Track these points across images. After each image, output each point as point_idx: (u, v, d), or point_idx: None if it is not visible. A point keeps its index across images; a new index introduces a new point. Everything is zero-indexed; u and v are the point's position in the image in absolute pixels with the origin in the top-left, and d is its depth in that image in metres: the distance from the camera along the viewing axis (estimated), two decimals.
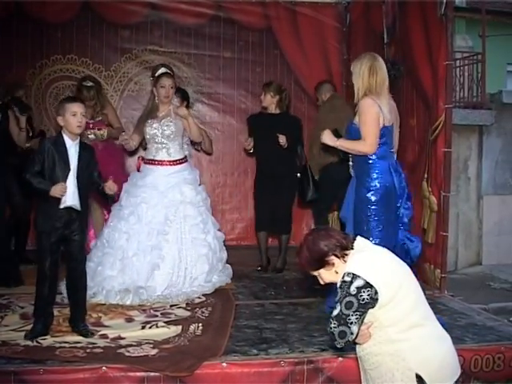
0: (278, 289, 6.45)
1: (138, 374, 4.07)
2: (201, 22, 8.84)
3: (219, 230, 6.46)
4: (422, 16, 6.40)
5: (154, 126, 6.15)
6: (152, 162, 6.19)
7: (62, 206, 4.68)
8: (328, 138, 5.07)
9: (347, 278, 3.05)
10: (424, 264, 6.24)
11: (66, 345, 4.50)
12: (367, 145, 4.83)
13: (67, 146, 4.72)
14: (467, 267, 9.43)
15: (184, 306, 5.65)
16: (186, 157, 6.40)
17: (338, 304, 3.05)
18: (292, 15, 8.75)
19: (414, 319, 3.13)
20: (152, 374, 4.06)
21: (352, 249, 3.21)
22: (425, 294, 3.35)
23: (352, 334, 3.04)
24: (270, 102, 7.08)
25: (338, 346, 3.10)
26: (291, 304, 5.84)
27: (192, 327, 5.01)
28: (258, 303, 5.88)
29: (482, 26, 10.23)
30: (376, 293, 3.02)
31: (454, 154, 6.90)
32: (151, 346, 4.52)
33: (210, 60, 9.02)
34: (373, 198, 4.87)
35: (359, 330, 3.07)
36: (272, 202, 7.01)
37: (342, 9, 8.88)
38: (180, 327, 4.98)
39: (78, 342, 4.56)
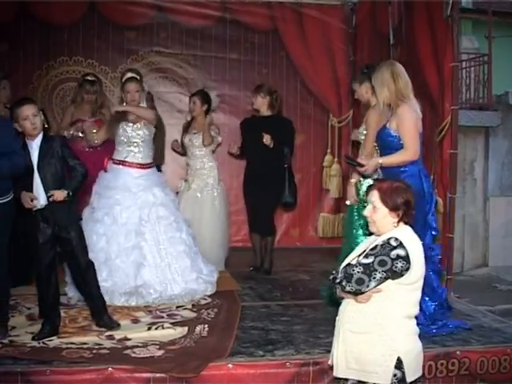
0: (284, 290, 6.46)
1: (144, 374, 4.09)
2: (207, 23, 8.86)
3: (188, 225, 6.48)
4: (428, 17, 6.40)
5: (127, 129, 6.18)
6: (122, 163, 6.20)
7: (35, 209, 4.68)
8: (372, 168, 5.01)
9: (393, 243, 3.26)
10: None
11: (73, 346, 4.52)
12: (412, 153, 4.85)
13: (29, 147, 4.71)
14: (473, 269, 9.40)
15: (190, 307, 5.67)
16: (152, 162, 6.41)
17: (372, 256, 3.25)
18: (298, 17, 8.74)
19: (413, 311, 3.39)
20: (158, 374, 4.08)
21: (406, 224, 3.44)
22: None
23: (368, 286, 3.24)
24: (261, 104, 7.10)
25: (347, 288, 3.27)
26: (297, 305, 5.85)
27: (198, 328, 5.02)
28: (263, 304, 5.89)
29: (488, 27, 10.20)
30: (407, 269, 3.24)
31: (460, 156, 6.88)
32: (157, 347, 4.53)
33: (216, 61, 9.03)
34: None
35: (373, 288, 3.26)
36: (257, 203, 7.05)
37: (348, 10, 8.89)
38: (186, 328, 4.99)
39: (85, 343, 4.57)
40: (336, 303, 3.69)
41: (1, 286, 4.73)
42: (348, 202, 5.88)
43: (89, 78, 7.30)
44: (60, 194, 4.66)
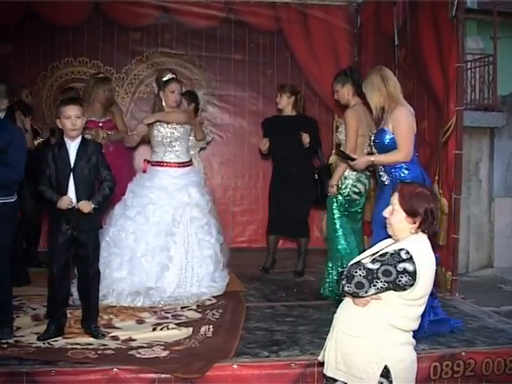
0: (289, 291, 6.46)
1: (149, 375, 4.09)
2: (212, 24, 8.86)
3: (218, 232, 6.48)
4: (432, 18, 6.40)
5: (162, 129, 6.18)
6: (160, 163, 6.23)
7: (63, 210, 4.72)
8: (363, 164, 5.21)
9: (403, 255, 3.15)
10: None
11: (78, 346, 4.53)
12: (404, 154, 4.92)
13: (67, 145, 4.76)
14: (478, 270, 9.38)
15: (195, 308, 5.67)
16: (191, 160, 6.44)
17: (379, 263, 3.16)
18: (303, 17, 8.73)
19: (410, 326, 3.27)
20: (163, 375, 4.08)
21: (424, 233, 3.30)
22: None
23: (366, 292, 3.17)
24: (287, 104, 7.06)
25: (346, 288, 3.21)
26: (302, 306, 5.85)
27: (203, 329, 5.02)
28: (268, 305, 5.89)
29: (493, 27, 10.18)
30: (412, 285, 3.14)
31: (465, 157, 6.87)
32: (162, 347, 4.54)
33: (221, 62, 9.04)
34: None
35: (372, 295, 3.18)
36: (289, 204, 6.98)
37: (353, 11, 8.86)
38: (191, 329, 5.00)
39: (90, 344, 4.58)
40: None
41: (2, 286, 4.74)
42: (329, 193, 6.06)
43: (102, 75, 7.34)
44: (87, 207, 4.72)
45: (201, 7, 8.71)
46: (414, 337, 3.35)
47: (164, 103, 6.25)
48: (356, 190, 6.02)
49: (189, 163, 6.35)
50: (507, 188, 9.68)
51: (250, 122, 8.93)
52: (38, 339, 4.64)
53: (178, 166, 6.23)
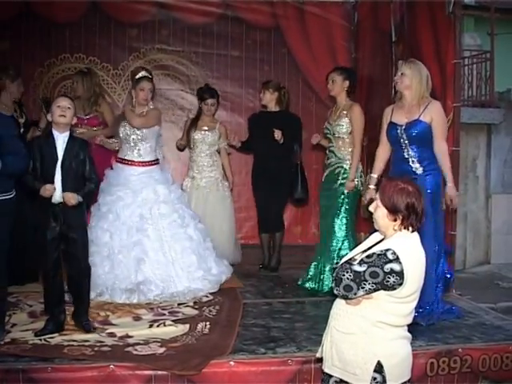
0: (286, 288, 6.46)
1: (146, 372, 4.09)
2: (209, 20, 8.86)
3: (199, 221, 6.51)
4: (430, 14, 6.39)
5: (127, 128, 6.25)
6: (123, 161, 6.30)
7: (53, 201, 4.73)
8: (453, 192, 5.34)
9: (390, 256, 3.11)
10: None
11: (74, 343, 4.52)
12: (445, 143, 5.30)
13: (55, 136, 4.78)
14: (475, 266, 9.39)
15: (192, 304, 5.67)
16: (157, 159, 6.43)
17: (366, 265, 3.13)
18: (300, 14, 8.73)
19: (402, 321, 3.26)
20: (159, 372, 4.09)
21: (412, 231, 3.26)
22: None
23: (355, 294, 3.15)
24: (270, 100, 7.10)
25: (335, 291, 3.21)
26: (299, 303, 5.86)
27: (200, 326, 5.02)
28: (265, 302, 5.89)
29: (490, 24, 10.17)
30: (400, 284, 3.11)
31: (462, 153, 6.87)
32: (159, 344, 4.54)
33: (218, 59, 9.04)
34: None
35: (361, 296, 3.16)
36: (265, 199, 7.07)
37: (350, 7, 8.87)
38: (188, 326, 5.00)
39: (86, 341, 4.58)
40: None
41: None
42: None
43: (84, 69, 7.34)
44: (72, 199, 4.73)
45: (198, 4, 8.72)
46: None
47: (134, 100, 6.32)
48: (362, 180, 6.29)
49: (153, 162, 6.35)
50: (504, 185, 9.69)
51: (247, 118, 8.91)
52: (36, 335, 4.64)
53: (140, 165, 6.27)
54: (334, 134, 6.29)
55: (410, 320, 3.29)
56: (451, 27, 6.02)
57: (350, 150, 6.21)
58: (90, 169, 4.89)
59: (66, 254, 4.89)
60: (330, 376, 3.36)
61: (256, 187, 7.29)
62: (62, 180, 4.73)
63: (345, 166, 6.22)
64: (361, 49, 8.59)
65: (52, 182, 4.71)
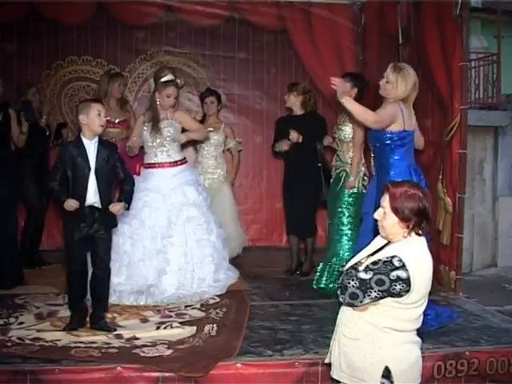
0: (293, 290, 6.47)
1: (153, 374, 4.10)
2: (216, 23, 8.85)
3: (220, 227, 6.47)
4: (437, 17, 6.39)
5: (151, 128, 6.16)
6: (153, 165, 6.19)
7: (85, 204, 4.78)
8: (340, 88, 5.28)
9: (396, 263, 3.06)
10: (439, 266, 6.22)
11: (82, 345, 4.53)
12: (374, 118, 5.01)
13: (85, 145, 4.80)
14: (482, 269, 9.37)
15: (198, 306, 5.68)
16: (185, 158, 6.39)
17: (372, 272, 3.07)
18: (306, 16, 8.72)
19: (410, 327, 3.22)
20: (167, 374, 4.09)
21: (420, 236, 3.21)
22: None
23: (361, 302, 3.10)
24: (293, 102, 7.03)
25: (340, 299, 3.17)
26: (306, 305, 5.85)
27: (207, 328, 5.02)
28: (272, 304, 5.89)
29: (497, 26, 10.15)
30: (407, 291, 3.07)
31: (469, 156, 6.84)
32: (166, 346, 4.54)
33: (225, 61, 9.05)
34: None
35: (368, 303, 3.12)
36: (295, 204, 6.97)
37: (357, 10, 8.85)
38: (195, 328, 5.00)
39: (94, 342, 4.59)
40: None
41: None
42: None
43: (114, 71, 7.41)
44: (119, 208, 4.88)
45: (205, 6, 8.70)
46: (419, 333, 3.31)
47: (158, 104, 6.18)
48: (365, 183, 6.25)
49: (182, 162, 6.27)
50: (511, 187, 9.67)
51: (254, 120, 8.94)
52: (64, 330, 4.75)
53: (171, 166, 6.18)
54: (340, 139, 6.30)
55: (418, 324, 3.25)
56: (458, 30, 6.02)
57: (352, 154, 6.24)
58: (122, 171, 4.97)
59: (92, 252, 4.95)
60: (339, 382, 3.33)
61: (286, 193, 7.16)
62: (98, 186, 4.79)
63: (347, 169, 6.25)
64: (368, 51, 8.57)
65: (85, 189, 4.76)
